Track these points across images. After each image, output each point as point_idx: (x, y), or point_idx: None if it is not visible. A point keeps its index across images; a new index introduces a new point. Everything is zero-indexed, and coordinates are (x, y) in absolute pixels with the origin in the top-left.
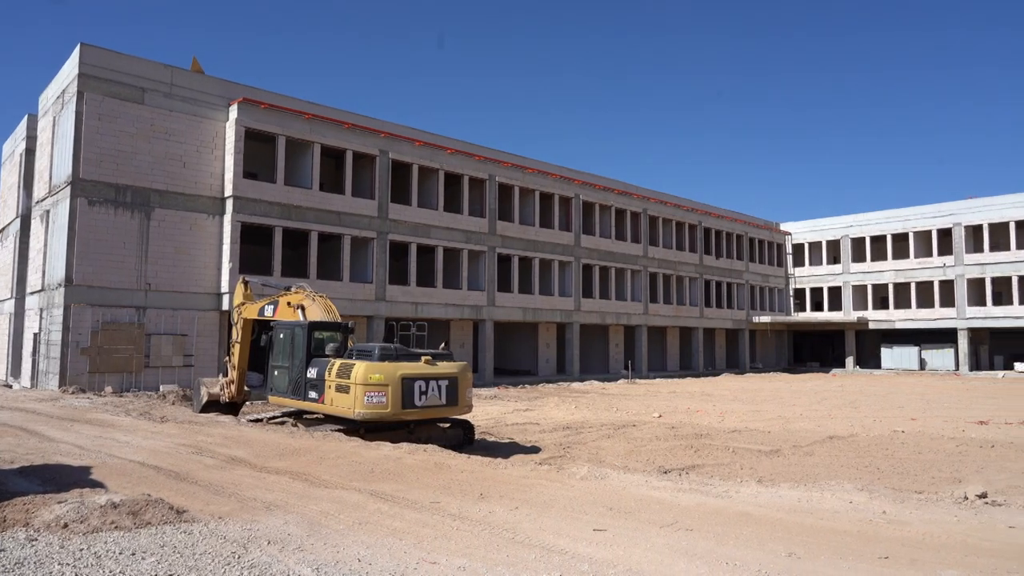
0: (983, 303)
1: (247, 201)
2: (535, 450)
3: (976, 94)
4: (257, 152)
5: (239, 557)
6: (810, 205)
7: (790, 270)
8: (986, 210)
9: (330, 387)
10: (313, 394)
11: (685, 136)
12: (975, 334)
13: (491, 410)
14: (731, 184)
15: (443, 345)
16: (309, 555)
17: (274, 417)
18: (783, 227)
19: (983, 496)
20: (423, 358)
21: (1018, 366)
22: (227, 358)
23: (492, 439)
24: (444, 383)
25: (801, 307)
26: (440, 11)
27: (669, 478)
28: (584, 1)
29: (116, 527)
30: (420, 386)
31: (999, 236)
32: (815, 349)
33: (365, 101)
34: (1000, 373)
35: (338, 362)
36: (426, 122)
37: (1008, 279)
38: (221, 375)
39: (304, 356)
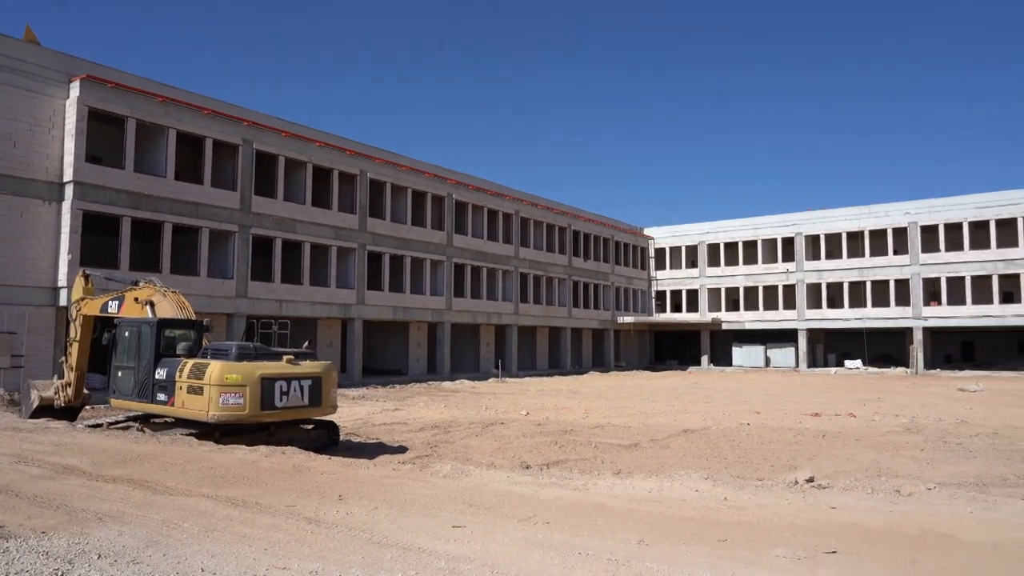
0: (819, 306)
1: (90, 187)
2: (402, 450)
3: (819, 114)
4: (103, 135)
5: (63, 574)
6: (671, 211)
7: (652, 273)
8: (822, 222)
9: (181, 388)
10: (162, 396)
11: (556, 141)
12: (812, 334)
13: (359, 411)
14: (598, 189)
15: (307, 344)
16: (146, 568)
17: (117, 422)
18: (646, 232)
19: (811, 480)
20: (285, 357)
21: (848, 363)
22: (64, 358)
23: (358, 440)
24: (307, 383)
25: (662, 308)
26: (320, 4)
27: (530, 473)
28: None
29: None
30: (281, 386)
31: (833, 245)
32: (674, 348)
33: (229, 89)
34: (833, 369)
35: (191, 362)
36: (295, 114)
37: (840, 284)
38: (56, 377)
39: (152, 355)
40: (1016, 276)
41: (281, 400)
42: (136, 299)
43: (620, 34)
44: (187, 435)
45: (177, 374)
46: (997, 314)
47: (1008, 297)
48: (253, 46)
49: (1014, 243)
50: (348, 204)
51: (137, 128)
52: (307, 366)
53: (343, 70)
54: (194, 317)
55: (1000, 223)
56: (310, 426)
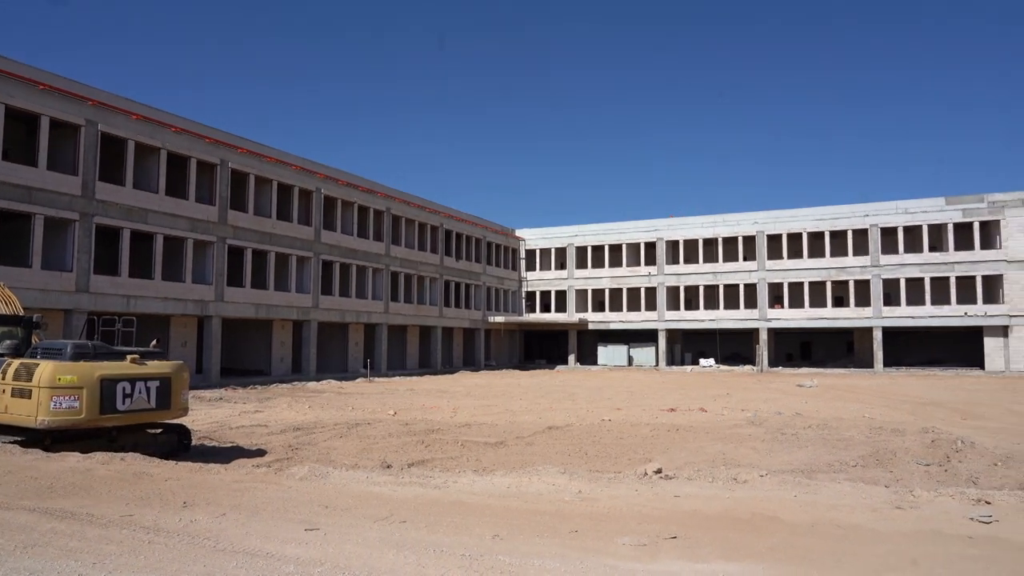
0: (678, 308)
1: None
2: (260, 453)
3: (686, 126)
4: None
5: None
6: (542, 214)
7: (523, 274)
8: (682, 228)
9: (4, 392)
10: None
11: (431, 140)
12: (671, 334)
13: (216, 413)
14: (471, 189)
15: (154, 343)
16: None
17: None
18: (518, 233)
19: (659, 472)
20: (129, 357)
21: (703, 362)
22: None
23: (213, 444)
24: (154, 384)
25: (532, 308)
26: None
27: (391, 473)
28: None
29: None
30: (124, 388)
31: (691, 251)
32: (543, 347)
33: (74, 66)
34: (689, 368)
35: (16, 362)
36: (148, 97)
37: (696, 288)
38: None
39: None
40: (846, 282)
41: (124, 403)
42: None
43: (490, 34)
44: (11, 443)
45: (0, 376)
46: (830, 316)
47: (839, 301)
48: (99, 23)
49: (844, 252)
50: (207, 195)
51: None
52: (154, 366)
53: (202, 55)
54: (22, 312)
55: (833, 234)
56: (158, 431)
